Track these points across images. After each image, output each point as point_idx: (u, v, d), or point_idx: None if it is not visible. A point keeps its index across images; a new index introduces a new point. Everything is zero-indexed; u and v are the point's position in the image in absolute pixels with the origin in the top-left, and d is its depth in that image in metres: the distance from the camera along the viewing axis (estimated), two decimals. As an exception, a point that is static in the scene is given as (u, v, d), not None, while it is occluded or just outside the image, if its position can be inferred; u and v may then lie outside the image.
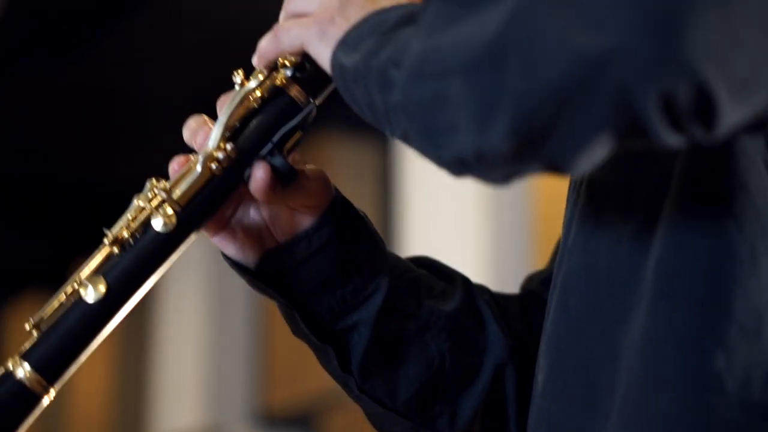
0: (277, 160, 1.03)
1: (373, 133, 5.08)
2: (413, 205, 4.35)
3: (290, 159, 1.05)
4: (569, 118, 0.75)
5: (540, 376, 0.96)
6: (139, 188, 1.12)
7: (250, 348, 5.71)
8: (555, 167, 0.79)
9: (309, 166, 1.08)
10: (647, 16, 0.72)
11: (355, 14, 0.95)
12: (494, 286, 1.19)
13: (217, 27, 4.81)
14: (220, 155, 1.02)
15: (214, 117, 1.07)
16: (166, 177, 1.08)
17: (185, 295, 5.99)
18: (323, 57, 0.97)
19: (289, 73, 1.04)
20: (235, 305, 5.82)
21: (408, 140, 0.88)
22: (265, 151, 1.04)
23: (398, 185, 4.57)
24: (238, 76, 1.05)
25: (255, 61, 1.05)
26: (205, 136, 1.05)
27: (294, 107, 1.04)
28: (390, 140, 4.84)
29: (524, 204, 3.77)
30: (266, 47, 1.04)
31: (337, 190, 1.10)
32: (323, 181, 1.08)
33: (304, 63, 1.03)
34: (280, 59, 1.04)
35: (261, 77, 1.04)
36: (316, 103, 1.06)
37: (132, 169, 6.22)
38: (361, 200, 5.03)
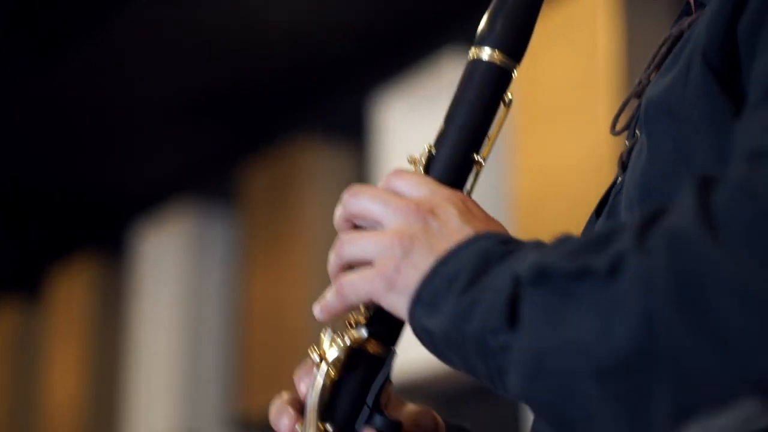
0: (378, 421, 1.01)
1: (349, 140, 5.09)
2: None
3: (388, 407, 1.04)
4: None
5: None
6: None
7: (226, 353, 5.70)
8: None
9: (410, 407, 1.08)
10: None
11: (421, 261, 0.94)
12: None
13: (201, 30, 4.81)
14: None
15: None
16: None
17: (160, 300, 5.98)
18: (398, 308, 0.95)
19: (364, 333, 1.01)
20: (211, 310, 5.81)
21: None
22: (363, 417, 1.01)
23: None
24: (314, 353, 1.02)
25: (318, 314, 1.01)
26: (292, 422, 1.03)
27: (377, 363, 1.02)
28: (366, 147, 4.84)
29: (504, 213, 3.78)
30: (332, 304, 1.00)
31: (444, 419, 1.09)
32: (429, 418, 1.08)
33: (374, 316, 1.01)
34: (348, 316, 1.02)
35: (335, 347, 1.01)
36: (396, 348, 1.03)
37: (108, 175, 6.21)
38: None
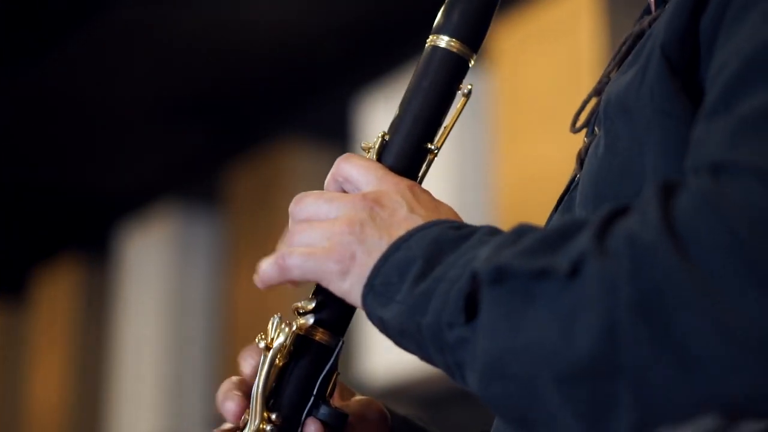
0: (324, 411, 1.01)
1: (334, 141, 5.09)
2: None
3: (334, 398, 1.03)
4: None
5: None
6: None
7: (210, 355, 5.70)
8: None
9: (356, 397, 1.07)
10: None
11: (373, 248, 0.94)
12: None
13: (185, 31, 4.81)
14: (267, 428, 1.00)
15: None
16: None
17: (145, 302, 5.97)
18: (351, 296, 0.95)
19: (311, 320, 1.01)
20: (196, 312, 5.81)
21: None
22: (309, 406, 1.01)
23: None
24: (262, 341, 1.02)
25: (257, 282, 1.01)
26: (239, 408, 1.03)
27: (325, 351, 1.01)
28: (350, 149, 4.84)
29: (487, 217, 3.79)
30: (269, 275, 1.00)
31: (390, 410, 1.09)
32: (375, 410, 1.08)
33: (321, 303, 1.01)
34: (296, 304, 1.02)
35: (282, 336, 1.01)
36: (343, 338, 1.03)
37: (93, 177, 6.19)
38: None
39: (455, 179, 3.87)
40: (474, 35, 1.06)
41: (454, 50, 1.05)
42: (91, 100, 5.39)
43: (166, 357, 5.76)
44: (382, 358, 4.21)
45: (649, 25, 1.02)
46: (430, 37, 1.06)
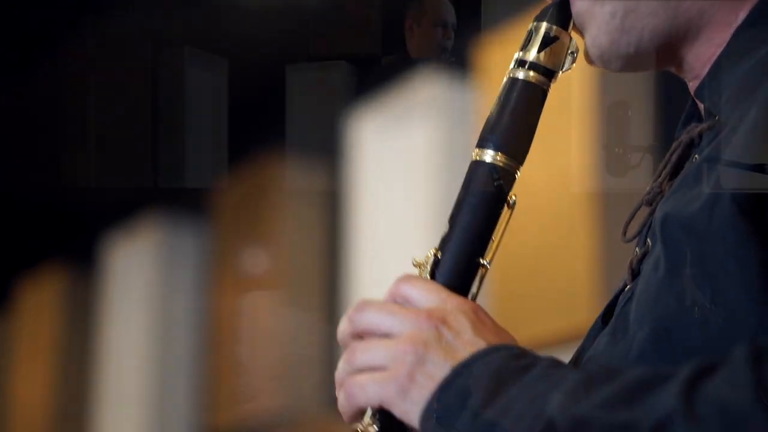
0: None
1: (324, 156, 5.09)
2: (363, 230, 4.36)
3: None
4: None
5: None
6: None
7: (195, 367, 5.69)
8: None
9: None
10: None
11: (436, 370, 0.94)
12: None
13: (174, 40, 4.80)
14: None
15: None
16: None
17: (130, 313, 5.96)
18: (410, 417, 0.95)
19: None
20: (181, 324, 5.80)
21: None
22: None
23: (349, 209, 4.57)
24: None
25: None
26: None
27: None
28: (341, 164, 4.84)
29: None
30: (342, 407, 1.00)
31: None
32: None
33: (385, 426, 0.99)
34: (357, 425, 1.01)
35: None
36: None
37: (86, 185, 6.17)
38: (311, 224, 5.03)
39: (444, 195, 3.87)
40: (519, 148, 1.08)
41: (500, 164, 1.06)
42: (77, 109, 5.38)
43: (150, 367, 5.75)
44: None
45: (700, 136, 1.02)
46: (475, 150, 1.07)
